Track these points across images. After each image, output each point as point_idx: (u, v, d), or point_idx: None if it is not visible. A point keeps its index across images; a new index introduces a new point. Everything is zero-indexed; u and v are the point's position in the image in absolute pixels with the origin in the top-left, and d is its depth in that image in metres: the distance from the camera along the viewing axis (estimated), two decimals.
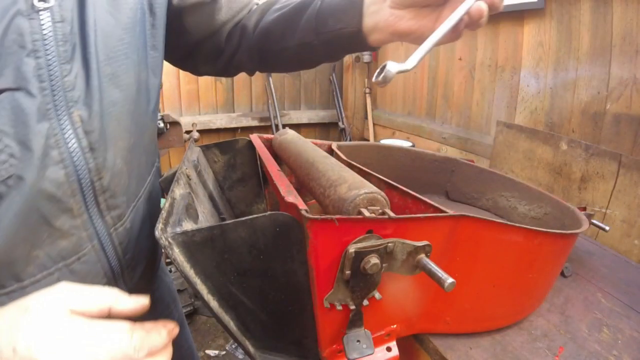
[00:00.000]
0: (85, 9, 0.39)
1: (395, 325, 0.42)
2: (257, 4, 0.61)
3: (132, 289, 0.46)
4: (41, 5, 0.35)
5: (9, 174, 0.34)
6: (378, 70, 0.36)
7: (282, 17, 0.55)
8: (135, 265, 0.49)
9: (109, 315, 0.32)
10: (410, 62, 0.35)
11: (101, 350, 0.29)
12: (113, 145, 0.42)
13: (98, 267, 0.43)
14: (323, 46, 0.52)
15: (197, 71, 0.65)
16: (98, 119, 0.40)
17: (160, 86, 0.53)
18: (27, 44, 0.34)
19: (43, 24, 0.35)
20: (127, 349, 0.30)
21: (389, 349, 0.41)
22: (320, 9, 0.51)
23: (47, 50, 0.36)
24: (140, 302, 0.34)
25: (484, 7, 0.40)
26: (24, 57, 0.34)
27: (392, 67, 0.35)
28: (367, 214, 0.34)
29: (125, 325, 0.31)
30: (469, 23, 0.41)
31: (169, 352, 0.34)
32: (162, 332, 0.33)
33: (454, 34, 0.42)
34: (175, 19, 0.54)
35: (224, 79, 1.97)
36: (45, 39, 0.36)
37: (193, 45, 0.59)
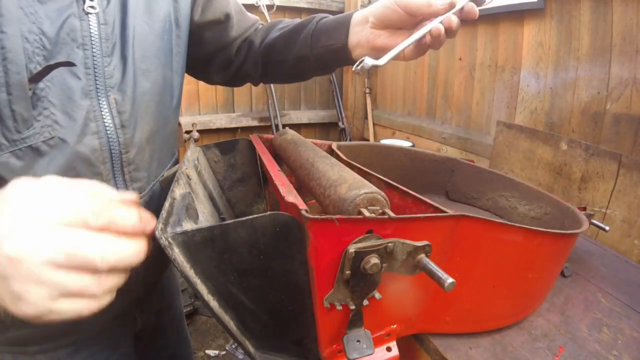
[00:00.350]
0: (127, 17, 0.50)
1: (395, 325, 0.42)
2: (262, 24, 0.71)
3: (147, 270, 0.57)
4: (90, 10, 0.46)
5: (51, 136, 0.43)
6: (357, 62, 0.46)
7: (284, 35, 0.65)
8: (156, 280, 0.58)
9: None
10: (382, 60, 0.46)
11: (53, 207, 0.27)
12: (140, 127, 0.51)
13: None
14: (316, 59, 0.61)
15: (210, 80, 0.74)
16: (130, 103, 0.50)
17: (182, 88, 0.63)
18: (78, 39, 0.44)
19: (91, 25, 0.46)
20: (83, 209, 0.28)
21: (389, 349, 0.41)
22: (316, 28, 0.60)
23: (93, 44, 0.46)
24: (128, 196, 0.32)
25: (441, 27, 0.47)
26: (74, 48, 0.44)
27: (369, 61, 0.45)
28: (367, 214, 0.34)
29: (86, 188, 0.29)
30: (432, 41, 0.49)
31: (138, 244, 0.30)
32: (133, 211, 0.30)
33: (419, 48, 0.51)
34: (195, 33, 0.64)
35: None
36: (92, 36, 0.46)
37: (208, 57, 0.69)
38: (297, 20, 0.65)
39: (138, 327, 0.66)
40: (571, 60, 1.04)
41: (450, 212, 0.38)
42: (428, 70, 1.62)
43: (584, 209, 0.62)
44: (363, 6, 1.89)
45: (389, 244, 0.33)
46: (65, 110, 0.44)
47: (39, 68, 0.41)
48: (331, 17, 0.61)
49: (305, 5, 1.95)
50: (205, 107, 1.98)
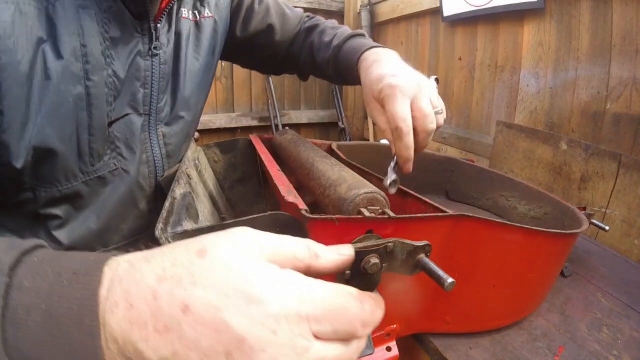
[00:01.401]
0: (180, 53, 0.54)
1: (395, 325, 0.42)
2: (307, 17, 0.75)
3: None
4: (157, 51, 0.50)
5: (116, 167, 0.48)
6: (391, 181, 0.45)
7: (316, 45, 0.69)
8: None
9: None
10: (391, 190, 0.45)
11: (321, 312, 0.21)
12: (181, 154, 0.58)
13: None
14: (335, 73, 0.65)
15: (278, 72, 0.80)
16: (175, 136, 0.55)
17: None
18: (141, 78, 0.49)
19: (154, 65, 0.50)
20: (354, 321, 0.22)
21: (389, 349, 0.41)
22: (337, 61, 0.63)
23: (153, 84, 0.50)
24: (344, 253, 0.26)
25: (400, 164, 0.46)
26: (138, 86, 0.49)
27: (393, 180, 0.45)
28: (367, 214, 0.34)
29: (353, 290, 0.23)
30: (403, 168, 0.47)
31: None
32: (383, 305, 0.25)
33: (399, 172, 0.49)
34: (242, 46, 0.70)
35: (224, 79, 1.97)
36: (154, 76, 0.50)
37: (259, 62, 0.77)
38: (326, 27, 0.69)
39: None
40: (571, 60, 1.04)
41: (450, 212, 0.38)
42: (428, 70, 1.62)
43: (584, 209, 0.62)
44: (363, 6, 1.89)
45: (389, 244, 0.33)
46: (128, 144, 0.49)
47: (113, 109, 0.46)
48: (345, 51, 0.61)
49: (305, 5, 1.95)
50: (205, 107, 1.97)
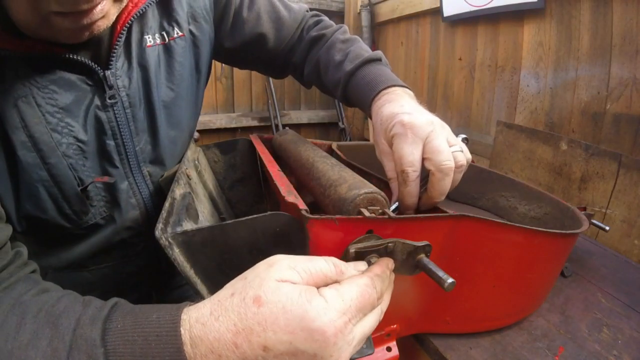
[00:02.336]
0: (151, 88, 0.50)
1: (395, 325, 0.42)
2: (311, 16, 0.71)
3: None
4: (113, 100, 0.47)
5: (106, 213, 0.49)
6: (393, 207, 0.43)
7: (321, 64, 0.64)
8: (172, 274, 0.66)
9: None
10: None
11: (355, 311, 0.29)
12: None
13: (152, 261, 0.58)
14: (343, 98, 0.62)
15: (281, 76, 0.76)
16: (161, 173, 0.54)
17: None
18: (107, 131, 0.47)
19: (117, 113, 0.47)
20: (374, 301, 0.30)
21: (389, 349, 0.41)
22: (347, 91, 0.59)
23: (122, 132, 0.48)
24: (361, 269, 0.33)
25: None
26: (106, 140, 0.47)
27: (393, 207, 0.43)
28: (367, 214, 0.34)
29: (366, 278, 0.30)
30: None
31: (391, 288, 0.34)
32: (388, 274, 0.33)
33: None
34: (234, 55, 0.67)
35: (224, 79, 1.97)
36: (120, 124, 0.48)
37: (257, 68, 0.73)
38: (335, 41, 0.63)
39: (152, 301, 0.67)
40: (571, 60, 1.04)
41: (450, 212, 0.38)
42: (428, 70, 1.62)
43: (584, 209, 0.62)
44: (363, 6, 1.89)
45: (389, 244, 0.33)
46: (111, 193, 0.49)
47: (85, 170, 0.46)
48: (360, 82, 0.56)
49: (305, 6, 1.94)
50: (205, 107, 1.98)
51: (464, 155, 0.42)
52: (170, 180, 0.46)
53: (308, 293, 0.27)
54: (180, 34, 0.54)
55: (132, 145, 0.50)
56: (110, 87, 0.46)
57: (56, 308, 0.30)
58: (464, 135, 0.48)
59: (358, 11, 1.94)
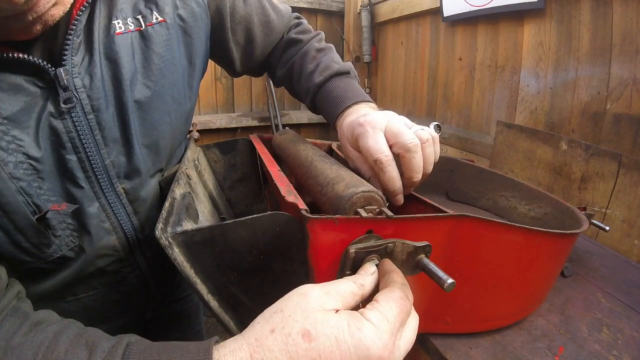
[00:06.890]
0: (122, 88, 0.41)
1: None
2: (296, 19, 0.69)
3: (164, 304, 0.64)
4: (69, 104, 0.37)
5: (74, 244, 0.41)
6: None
7: (290, 76, 0.65)
8: (166, 293, 0.62)
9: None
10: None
11: (399, 326, 0.28)
12: (151, 204, 0.48)
13: (139, 287, 0.52)
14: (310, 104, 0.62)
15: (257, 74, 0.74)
16: (140, 188, 0.46)
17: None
18: (65, 143, 0.38)
19: (75, 121, 0.38)
20: (410, 310, 0.30)
21: None
22: (316, 99, 0.60)
23: (84, 143, 0.39)
24: (373, 272, 0.33)
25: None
26: (65, 155, 0.38)
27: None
28: (364, 214, 0.34)
29: (399, 292, 0.30)
30: (394, 202, 0.45)
31: None
32: (406, 282, 0.32)
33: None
34: (226, 56, 0.62)
35: (224, 79, 1.97)
36: (80, 133, 0.39)
37: (241, 70, 0.68)
38: (309, 48, 0.62)
39: (147, 316, 0.63)
40: (571, 60, 1.04)
41: (450, 212, 0.38)
42: (428, 70, 1.62)
43: (584, 209, 0.62)
44: (363, 6, 1.89)
45: (389, 244, 0.33)
46: (79, 219, 0.41)
47: (42, 194, 0.37)
48: (330, 94, 0.57)
49: (305, 5, 1.95)
50: (205, 107, 1.98)
51: (428, 132, 0.43)
52: (170, 180, 0.46)
53: (356, 320, 0.26)
54: (160, 19, 0.44)
55: (99, 159, 0.41)
56: (65, 89, 0.37)
57: (56, 354, 0.27)
58: (435, 123, 0.49)
59: (358, 11, 1.94)
